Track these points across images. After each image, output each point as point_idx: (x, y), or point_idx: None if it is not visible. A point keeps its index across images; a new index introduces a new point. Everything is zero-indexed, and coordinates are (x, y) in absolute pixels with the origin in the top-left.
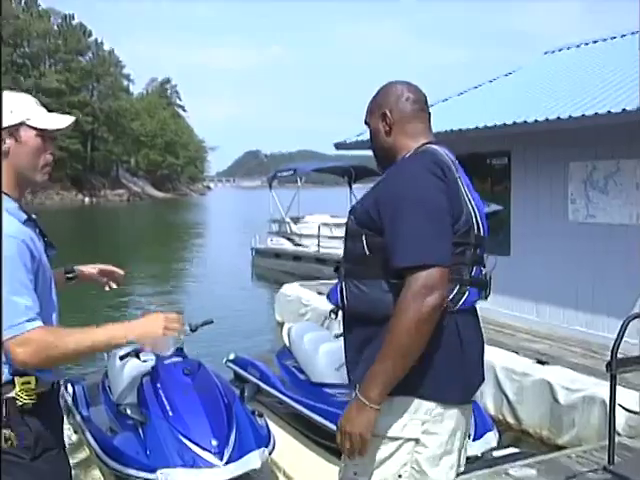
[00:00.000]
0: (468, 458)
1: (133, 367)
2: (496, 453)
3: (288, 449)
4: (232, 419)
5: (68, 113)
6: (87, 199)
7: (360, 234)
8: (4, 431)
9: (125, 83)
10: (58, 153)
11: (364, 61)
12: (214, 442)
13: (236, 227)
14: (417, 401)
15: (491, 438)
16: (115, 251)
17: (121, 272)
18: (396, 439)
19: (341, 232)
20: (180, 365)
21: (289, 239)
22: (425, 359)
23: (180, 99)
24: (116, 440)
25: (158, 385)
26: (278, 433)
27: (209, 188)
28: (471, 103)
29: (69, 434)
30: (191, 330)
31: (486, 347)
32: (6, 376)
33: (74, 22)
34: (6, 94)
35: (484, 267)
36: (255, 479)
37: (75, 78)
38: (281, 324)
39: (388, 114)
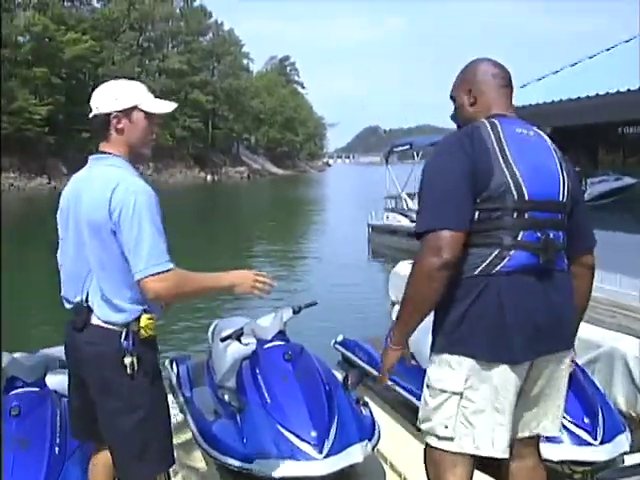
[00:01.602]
0: (592, 464)
1: (235, 350)
2: (629, 459)
3: (395, 439)
4: (334, 409)
5: (190, 93)
6: (209, 176)
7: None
8: (129, 359)
9: (245, 62)
10: (180, 132)
11: (483, 33)
12: (313, 433)
13: (353, 203)
14: (459, 357)
15: (622, 441)
16: (236, 227)
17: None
18: (443, 391)
19: None
20: (281, 349)
21: (405, 215)
22: (464, 318)
23: (299, 76)
24: (215, 425)
25: (257, 370)
26: (385, 421)
27: (328, 164)
28: (591, 71)
29: (175, 413)
30: (294, 312)
31: (615, 334)
32: (135, 313)
33: (195, 4)
34: (123, 82)
35: (546, 231)
36: (358, 471)
37: (196, 59)
38: (395, 304)
39: (472, 89)
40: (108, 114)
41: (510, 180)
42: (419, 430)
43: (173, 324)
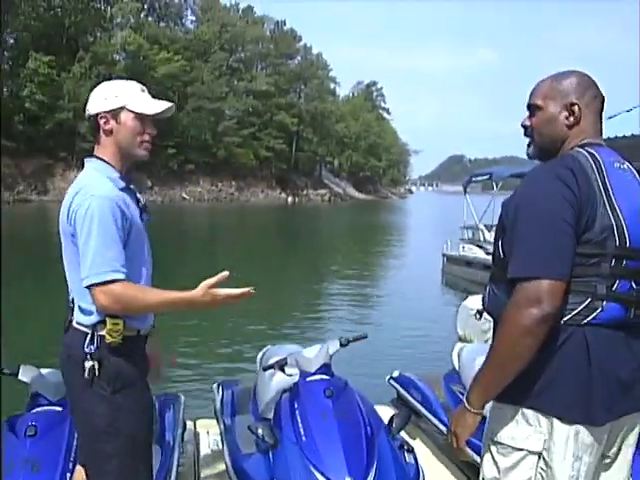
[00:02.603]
0: None
1: (278, 380)
2: None
3: None
4: (373, 452)
5: (275, 114)
6: (290, 198)
7: (498, 236)
8: (90, 363)
9: (331, 86)
10: (264, 153)
11: (577, 66)
12: (348, 479)
13: (432, 232)
14: (536, 413)
15: None
16: (313, 250)
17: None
18: (519, 450)
19: None
20: (322, 384)
21: (481, 247)
22: (549, 372)
23: (385, 102)
24: (248, 460)
25: (296, 405)
26: (433, 467)
27: (410, 192)
28: None
29: (217, 440)
30: (341, 345)
31: None
32: (100, 316)
33: (285, 27)
34: (115, 82)
35: (638, 282)
36: None
37: (283, 81)
38: (463, 340)
39: (579, 105)
40: (96, 115)
41: (614, 224)
42: (467, 478)
43: (225, 347)
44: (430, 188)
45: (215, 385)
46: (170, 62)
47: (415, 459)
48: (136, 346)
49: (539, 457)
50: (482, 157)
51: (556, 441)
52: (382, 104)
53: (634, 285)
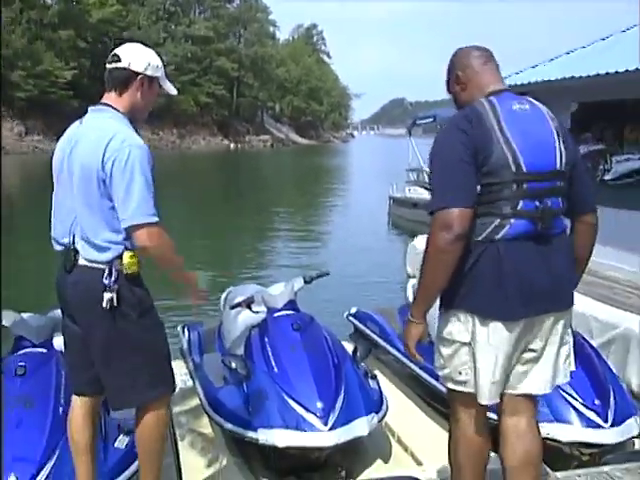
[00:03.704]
0: (601, 446)
1: (245, 318)
2: (639, 442)
3: (403, 412)
4: (341, 381)
5: (215, 60)
6: (232, 144)
7: None
8: (108, 294)
9: (271, 29)
10: (205, 99)
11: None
12: (319, 404)
13: (375, 174)
14: (464, 313)
15: (633, 425)
16: (256, 195)
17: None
18: (454, 342)
19: None
20: (290, 319)
21: (427, 188)
22: (471, 280)
23: (325, 45)
24: (222, 392)
25: (266, 339)
26: (394, 394)
27: (352, 135)
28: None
29: (185, 379)
30: (305, 282)
31: (632, 316)
32: (117, 252)
33: None
34: (153, 52)
35: (544, 199)
36: (365, 443)
37: (222, 25)
38: (411, 277)
39: (460, 74)
40: (137, 73)
41: (509, 155)
42: (428, 404)
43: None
44: (372, 132)
45: (179, 328)
46: (105, 6)
47: (378, 385)
48: (139, 273)
49: (469, 346)
50: (423, 100)
51: (478, 333)
52: (323, 47)
53: (538, 203)
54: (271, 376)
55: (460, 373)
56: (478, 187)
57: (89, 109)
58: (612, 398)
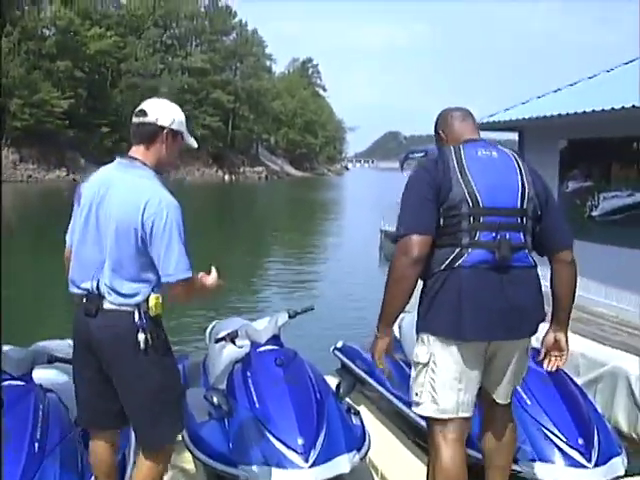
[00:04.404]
0: None
1: (229, 352)
2: None
3: (387, 449)
4: (323, 417)
5: (211, 92)
6: (227, 176)
7: None
8: (142, 335)
9: (267, 63)
10: (200, 131)
11: (512, 43)
12: (300, 441)
13: (369, 208)
14: (427, 335)
15: (618, 464)
16: (250, 226)
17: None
18: (417, 364)
19: None
20: (273, 354)
21: None
22: (434, 305)
23: (321, 79)
24: (204, 428)
25: (248, 374)
26: (378, 431)
27: (347, 168)
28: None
29: None
30: (289, 317)
31: (619, 353)
32: (144, 295)
33: (220, 3)
34: (178, 107)
35: (502, 232)
36: (349, 478)
37: (219, 58)
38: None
39: (441, 132)
40: (163, 127)
41: (466, 191)
42: (413, 441)
43: (175, 322)
44: (366, 165)
45: None
46: (102, 38)
47: (361, 421)
48: (162, 315)
49: (427, 367)
50: (417, 134)
51: (436, 354)
52: (318, 81)
53: (495, 235)
54: (253, 412)
55: (417, 394)
56: (441, 220)
57: (117, 160)
58: (596, 437)
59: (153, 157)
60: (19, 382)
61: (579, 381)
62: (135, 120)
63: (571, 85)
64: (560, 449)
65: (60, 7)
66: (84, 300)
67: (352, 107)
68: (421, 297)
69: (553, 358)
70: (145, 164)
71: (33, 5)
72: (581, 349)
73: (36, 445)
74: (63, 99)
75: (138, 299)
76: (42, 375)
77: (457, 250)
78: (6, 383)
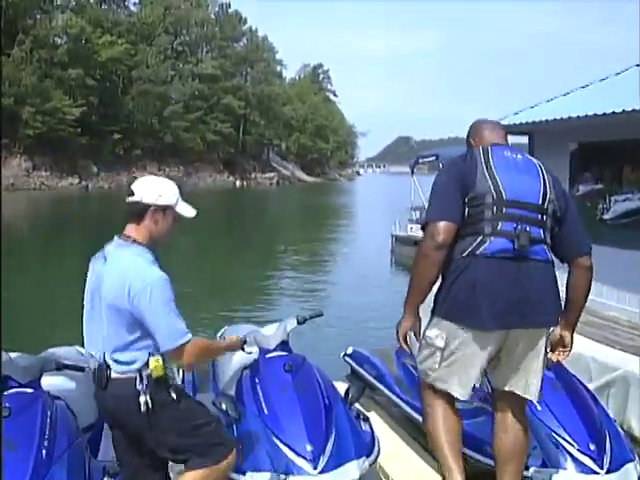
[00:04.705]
0: None
1: (238, 358)
2: None
3: (397, 455)
4: (331, 423)
5: (222, 98)
6: (238, 181)
7: None
8: (143, 397)
9: (278, 68)
10: (211, 137)
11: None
12: (309, 448)
13: (381, 213)
14: (444, 321)
15: (630, 471)
16: (262, 232)
17: None
18: (431, 345)
19: None
20: (282, 360)
21: None
22: (451, 290)
23: (331, 84)
24: None
25: (257, 380)
26: (388, 437)
27: (358, 173)
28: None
29: None
30: (298, 322)
31: (633, 357)
32: (143, 361)
33: (230, 10)
34: (165, 181)
35: (523, 224)
36: None
37: (229, 64)
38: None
39: (471, 139)
40: (149, 205)
41: (491, 184)
42: (423, 447)
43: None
44: (378, 169)
45: (174, 366)
46: (114, 46)
47: (371, 427)
48: (165, 374)
49: (442, 351)
50: (428, 139)
51: (454, 340)
52: (329, 86)
53: (517, 225)
54: (261, 418)
55: (427, 374)
56: (466, 210)
57: (115, 240)
58: (608, 443)
59: (144, 232)
60: (27, 389)
61: (591, 386)
62: (127, 199)
63: (582, 87)
64: (571, 455)
65: (71, 15)
66: (96, 372)
67: (363, 112)
68: (441, 283)
69: (557, 352)
70: (136, 241)
71: (45, 14)
72: (593, 353)
73: (43, 452)
74: (75, 107)
75: (138, 365)
76: (50, 382)
77: (479, 238)
78: (14, 390)
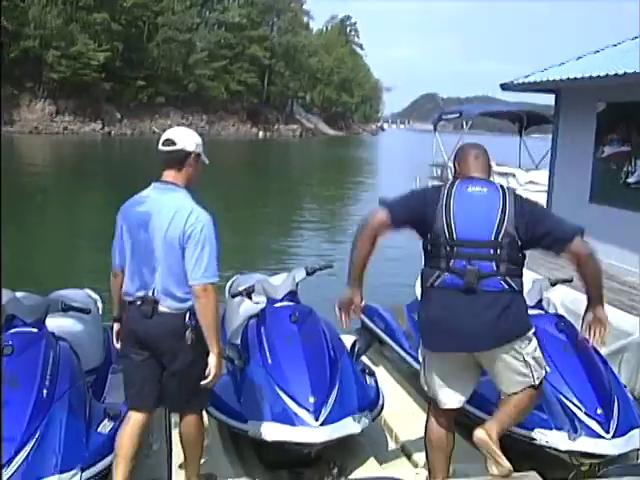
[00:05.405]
0: (602, 457)
1: (245, 307)
2: None
3: (403, 411)
4: (336, 376)
5: (247, 47)
6: (261, 132)
7: None
8: (190, 333)
9: (305, 19)
10: (235, 86)
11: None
12: (311, 399)
13: (402, 169)
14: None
15: (635, 437)
16: (284, 183)
17: None
18: (422, 362)
19: (505, 181)
20: (288, 310)
21: None
22: (419, 316)
23: (358, 37)
24: (217, 383)
25: (262, 330)
26: (395, 392)
27: (382, 129)
28: None
29: None
30: (307, 273)
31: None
32: (192, 301)
33: None
34: (195, 133)
35: (472, 262)
36: (359, 439)
37: (256, 13)
38: None
39: (456, 164)
40: (190, 153)
41: (445, 225)
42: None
43: None
44: (402, 126)
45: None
46: None
47: (376, 382)
48: None
49: (424, 368)
50: (455, 96)
51: (426, 358)
52: (356, 39)
53: (466, 264)
54: (265, 368)
55: (424, 388)
56: (428, 246)
57: (155, 186)
58: (616, 408)
59: (184, 178)
60: (31, 329)
61: (604, 351)
62: (164, 148)
63: (614, 45)
64: (578, 418)
65: None
66: (140, 304)
67: (390, 68)
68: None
69: (596, 331)
70: (178, 185)
71: None
72: (608, 318)
73: (44, 392)
74: (100, 51)
75: (189, 303)
76: (56, 323)
77: (437, 272)
78: (17, 329)
